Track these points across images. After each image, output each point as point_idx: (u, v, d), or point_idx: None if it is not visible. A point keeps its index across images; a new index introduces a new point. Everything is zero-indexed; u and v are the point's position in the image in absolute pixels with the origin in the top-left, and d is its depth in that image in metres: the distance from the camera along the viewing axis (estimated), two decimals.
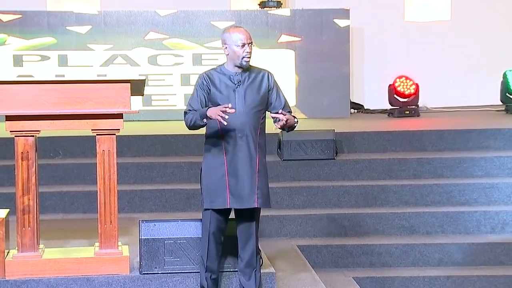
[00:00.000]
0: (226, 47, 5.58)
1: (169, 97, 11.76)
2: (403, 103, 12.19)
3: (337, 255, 7.86)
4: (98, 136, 5.96)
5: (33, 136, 5.91)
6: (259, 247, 6.35)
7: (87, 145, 8.72)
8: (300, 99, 11.96)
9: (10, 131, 5.87)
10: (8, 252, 6.05)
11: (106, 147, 5.96)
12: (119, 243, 6.09)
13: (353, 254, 7.88)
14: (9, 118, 5.83)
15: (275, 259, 7.03)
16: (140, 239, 6.06)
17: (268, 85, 5.66)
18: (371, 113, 12.80)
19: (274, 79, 5.72)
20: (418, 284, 7.64)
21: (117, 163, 6.00)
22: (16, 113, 5.81)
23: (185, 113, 5.62)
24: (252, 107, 5.57)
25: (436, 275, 7.69)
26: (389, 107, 12.34)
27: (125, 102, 5.93)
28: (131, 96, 5.97)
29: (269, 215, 8.03)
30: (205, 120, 5.44)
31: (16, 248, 5.98)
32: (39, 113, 5.83)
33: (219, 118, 5.31)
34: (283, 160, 8.85)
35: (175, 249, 6.05)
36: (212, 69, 5.70)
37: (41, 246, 6.12)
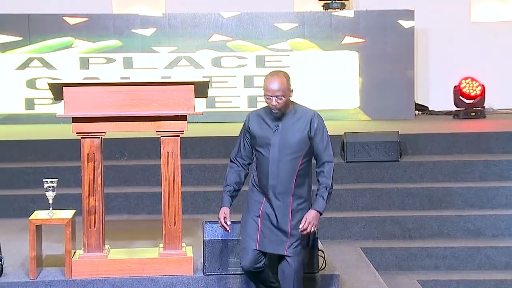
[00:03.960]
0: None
1: (232, 99, 11.80)
2: (469, 105, 12.03)
3: (401, 258, 7.80)
4: (163, 137, 6.01)
5: (99, 137, 5.98)
6: (322, 249, 6.34)
7: (151, 146, 8.80)
8: (364, 100, 11.89)
9: (77, 133, 5.96)
10: (75, 252, 6.13)
11: (170, 148, 6.00)
12: (183, 244, 6.13)
13: (417, 257, 7.80)
14: (75, 120, 5.92)
15: (339, 262, 7.00)
16: (203, 240, 6.09)
17: (310, 131, 5.34)
18: (436, 114, 12.66)
19: (319, 122, 5.38)
20: None
21: (181, 164, 6.04)
22: (82, 115, 5.90)
23: (231, 160, 5.60)
24: (285, 154, 5.33)
25: (503, 279, 7.57)
26: (454, 108, 12.19)
27: (189, 104, 5.98)
28: (195, 98, 6.01)
29: (332, 217, 8.01)
30: None
31: (82, 249, 6.06)
32: (105, 115, 5.91)
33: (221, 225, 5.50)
34: (347, 162, 8.81)
35: (239, 251, 6.05)
36: (262, 107, 5.48)
37: (106, 246, 6.20)
